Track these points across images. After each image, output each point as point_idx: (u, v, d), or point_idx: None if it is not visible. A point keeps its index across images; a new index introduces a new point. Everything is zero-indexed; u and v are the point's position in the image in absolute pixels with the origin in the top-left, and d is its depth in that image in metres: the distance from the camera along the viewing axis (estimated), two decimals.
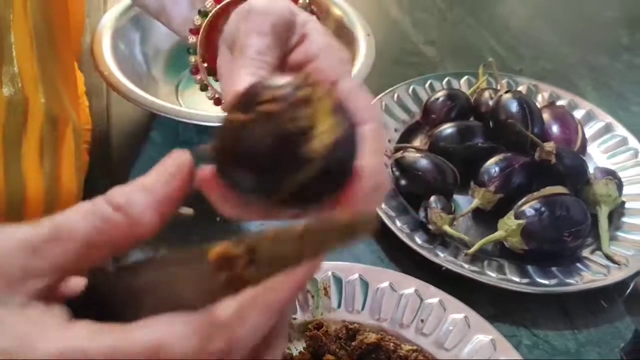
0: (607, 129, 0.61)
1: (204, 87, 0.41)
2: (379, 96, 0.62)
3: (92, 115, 0.60)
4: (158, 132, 0.60)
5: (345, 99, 0.27)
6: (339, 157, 0.23)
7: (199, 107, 0.62)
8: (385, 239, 0.50)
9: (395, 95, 0.63)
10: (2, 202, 0.41)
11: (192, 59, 0.40)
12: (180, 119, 0.53)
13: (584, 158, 0.55)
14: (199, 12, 0.39)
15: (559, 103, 0.63)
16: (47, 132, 0.45)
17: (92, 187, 0.53)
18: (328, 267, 0.45)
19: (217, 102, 0.42)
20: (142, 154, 0.58)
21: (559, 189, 0.50)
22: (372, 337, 0.41)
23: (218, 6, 0.38)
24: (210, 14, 0.38)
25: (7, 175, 0.41)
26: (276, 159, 0.22)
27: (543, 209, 0.48)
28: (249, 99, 0.23)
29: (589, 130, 0.61)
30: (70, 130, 0.48)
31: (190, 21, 0.41)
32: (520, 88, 0.65)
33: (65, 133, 0.48)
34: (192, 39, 0.39)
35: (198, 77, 0.40)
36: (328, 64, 0.31)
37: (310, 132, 0.22)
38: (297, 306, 0.44)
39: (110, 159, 0.57)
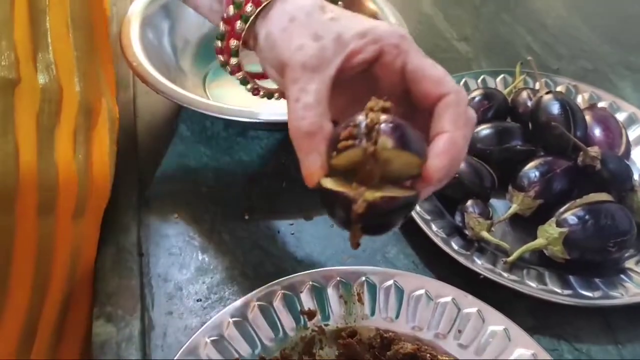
0: None
1: (244, 82, 0.41)
2: None
3: (119, 107, 0.59)
4: (185, 125, 0.59)
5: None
6: (373, 220, 0.32)
7: (226, 99, 0.60)
8: (420, 243, 0.48)
9: None
10: (35, 190, 0.40)
11: (219, 43, 0.40)
12: (209, 113, 0.51)
13: (628, 163, 0.53)
14: (234, 2, 0.38)
15: (600, 105, 0.61)
16: (80, 121, 0.44)
17: (121, 182, 0.52)
18: (362, 273, 0.44)
19: (256, 92, 0.42)
20: (168, 147, 0.57)
21: (603, 196, 0.48)
22: (408, 347, 0.40)
23: (258, 9, 0.37)
24: (251, 19, 0.37)
25: (40, 164, 0.40)
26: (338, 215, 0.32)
27: (587, 217, 0.46)
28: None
29: (632, 134, 0.58)
30: (103, 120, 0.48)
31: (214, 8, 0.40)
32: (559, 88, 0.63)
33: (98, 122, 0.47)
34: (223, 27, 0.39)
35: (240, 74, 0.41)
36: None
37: (355, 200, 0.31)
38: (330, 313, 0.42)
39: (137, 152, 0.56)
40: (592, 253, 0.47)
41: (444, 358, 0.41)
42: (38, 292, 0.42)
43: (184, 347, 0.38)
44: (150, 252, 0.47)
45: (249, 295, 0.41)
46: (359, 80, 0.36)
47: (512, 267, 0.47)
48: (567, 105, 0.53)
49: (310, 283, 0.43)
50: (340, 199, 0.31)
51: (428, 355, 0.40)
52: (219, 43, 0.40)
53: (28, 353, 0.43)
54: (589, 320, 0.45)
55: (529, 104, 0.57)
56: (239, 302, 0.41)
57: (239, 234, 0.49)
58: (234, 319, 0.40)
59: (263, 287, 0.42)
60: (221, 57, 0.41)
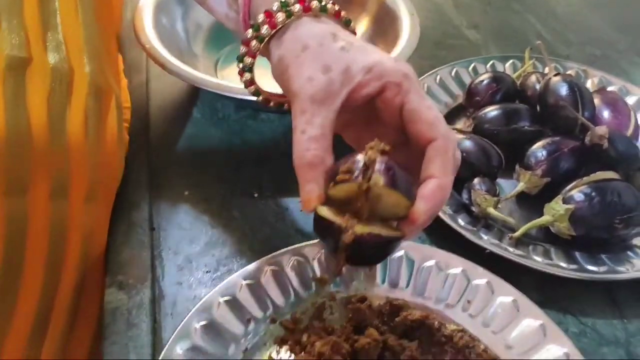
0: None
1: (257, 94, 0.43)
2: (421, 78, 0.61)
3: (132, 91, 0.60)
4: (197, 108, 0.60)
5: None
6: (358, 251, 0.35)
7: (237, 83, 0.61)
8: None
9: (438, 78, 0.62)
10: (47, 173, 0.41)
11: (241, 65, 0.42)
12: (220, 92, 0.52)
13: (636, 144, 0.53)
14: (252, 26, 0.40)
15: (609, 89, 0.61)
16: (91, 103, 0.44)
17: (132, 162, 0.53)
18: None
19: (267, 102, 0.44)
20: (181, 130, 0.58)
21: (610, 174, 0.48)
22: (416, 314, 0.40)
23: (273, 31, 0.39)
24: (266, 39, 0.39)
25: (52, 145, 0.40)
26: (328, 241, 0.36)
27: (593, 194, 0.46)
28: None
29: None
30: (113, 104, 0.48)
31: (230, 15, 0.43)
32: (568, 72, 0.63)
33: (109, 106, 0.47)
34: (243, 49, 0.41)
35: (252, 88, 0.43)
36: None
37: (345, 230, 0.34)
38: (340, 281, 0.43)
39: (149, 135, 0.57)
40: (598, 230, 0.47)
41: (453, 326, 0.41)
42: (51, 277, 0.42)
43: (197, 305, 0.39)
44: (161, 226, 0.48)
45: (263, 259, 0.42)
46: (363, 105, 0.38)
47: (519, 244, 0.47)
48: (576, 87, 0.54)
49: (323, 251, 0.43)
50: (332, 227, 0.35)
51: (436, 322, 0.41)
52: (240, 65, 0.42)
53: (42, 337, 0.43)
54: (594, 295, 0.45)
55: (538, 87, 0.57)
56: (252, 266, 0.42)
57: (248, 210, 0.50)
58: (247, 282, 0.41)
59: (276, 252, 0.43)
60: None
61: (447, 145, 0.36)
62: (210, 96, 0.54)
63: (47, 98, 0.40)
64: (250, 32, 0.40)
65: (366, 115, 0.40)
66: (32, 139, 0.39)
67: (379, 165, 0.34)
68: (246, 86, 0.43)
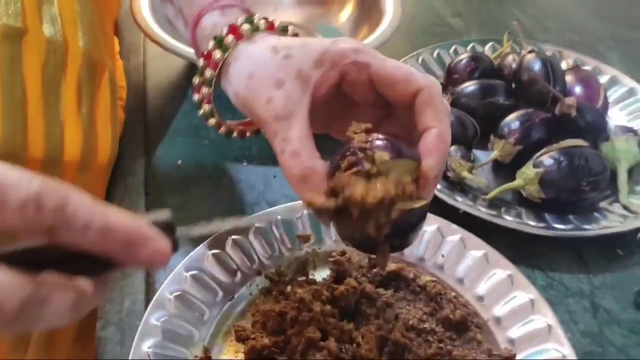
0: (631, 93, 0.62)
1: (209, 115, 0.42)
2: (403, 59, 0.64)
3: (129, 71, 0.63)
4: (192, 87, 0.63)
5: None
6: (398, 236, 0.34)
7: None
8: None
9: (420, 59, 0.65)
10: (42, 143, 0.43)
11: (196, 79, 0.41)
12: None
13: (605, 116, 0.56)
14: (214, 37, 0.39)
15: (584, 68, 0.64)
16: (85, 76, 0.46)
17: (129, 134, 0.56)
18: None
19: (219, 127, 0.43)
20: (177, 106, 0.61)
21: (578, 142, 0.51)
22: (392, 266, 0.43)
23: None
24: (230, 50, 0.38)
25: (46, 117, 0.42)
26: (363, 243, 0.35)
27: (562, 158, 0.49)
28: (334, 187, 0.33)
29: (613, 95, 0.62)
30: (106, 78, 0.50)
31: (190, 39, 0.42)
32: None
33: (103, 79, 0.49)
34: (201, 62, 0.40)
35: (207, 106, 0.41)
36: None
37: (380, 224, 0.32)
38: (323, 238, 0.46)
39: (146, 114, 0.60)
40: (566, 192, 0.50)
41: (427, 278, 0.44)
42: None
43: (187, 257, 0.42)
44: (156, 191, 0.51)
45: (250, 217, 0.45)
46: (333, 97, 0.38)
47: (491, 206, 0.50)
48: (548, 63, 0.57)
49: (306, 211, 0.46)
50: (361, 227, 0.32)
51: (411, 274, 0.43)
52: (201, 112, 0.42)
53: (27, 339, 0.45)
54: (563, 253, 0.48)
55: (514, 66, 0.60)
56: (239, 223, 0.44)
57: (237, 177, 0.53)
58: (234, 237, 0.44)
59: (262, 212, 0.46)
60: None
61: (433, 92, 0.35)
62: None
63: (42, 69, 0.42)
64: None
65: (342, 105, 0.39)
66: (27, 105, 0.41)
67: (376, 143, 0.33)
68: (217, 129, 0.43)
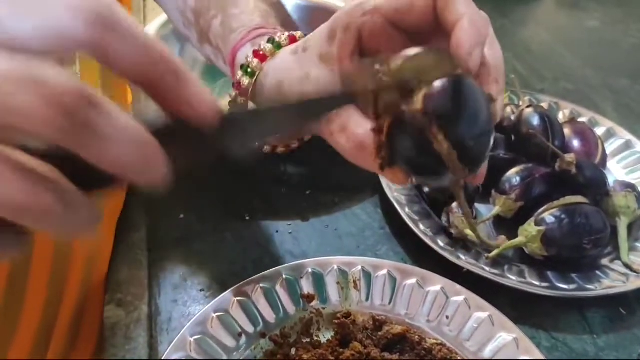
0: (627, 145, 0.63)
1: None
2: None
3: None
4: None
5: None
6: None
7: None
8: (409, 242, 0.52)
9: None
10: None
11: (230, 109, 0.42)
12: None
13: (603, 171, 0.56)
14: (241, 67, 0.41)
15: (580, 120, 0.65)
16: None
17: (132, 188, 0.56)
18: (358, 262, 0.47)
19: (261, 148, 0.45)
20: None
21: (579, 199, 0.51)
22: (398, 329, 0.43)
23: (264, 63, 0.40)
24: (258, 73, 0.40)
25: None
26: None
27: (563, 216, 0.50)
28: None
29: (610, 147, 0.63)
30: None
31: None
32: (541, 105, 0.67)
33: None
34: (233, 93, 0.41)
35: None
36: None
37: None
38: (328, 298, 0.46)
39: None
40: (568, 250, 0.50)
41: (432, 340, 0.44)
42: (54, 296, 0.44)
43: (192, 320, 0.41)
44: (158, 247, 0.51)
45: (254, 277, 0.45)
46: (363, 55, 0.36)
47: (494, 264, 0.50)
48: (546, 117, 0.58)
49: (310, 270, 0.46)
50: (423, 136, 0.28)
51: (417, 336, 0.43)
52: None
53: (44, 353, 0.44)
54: (566, 313, 0.48)
55: (513, 118, 0.61)
56: (244, 284, 0.44)
57: (240, 232, 0.53)
58: (238, 298, 0.43)
59: (266, 271, 0.45)
60: None
61: None
62: None
63: None
64: (240, 73, 0.41)
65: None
66: None
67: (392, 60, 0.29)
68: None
